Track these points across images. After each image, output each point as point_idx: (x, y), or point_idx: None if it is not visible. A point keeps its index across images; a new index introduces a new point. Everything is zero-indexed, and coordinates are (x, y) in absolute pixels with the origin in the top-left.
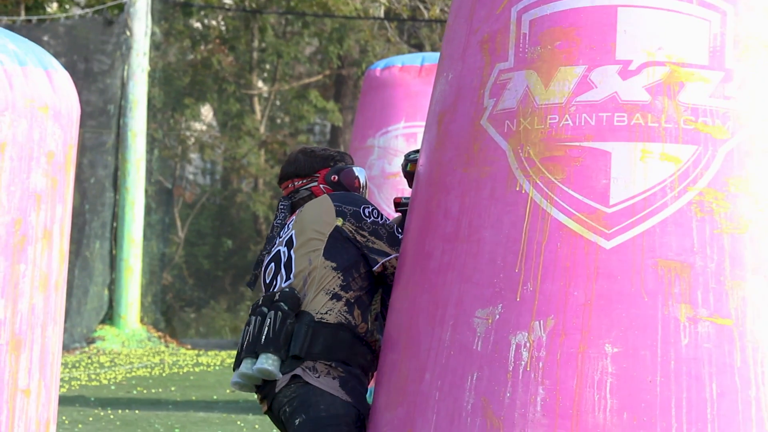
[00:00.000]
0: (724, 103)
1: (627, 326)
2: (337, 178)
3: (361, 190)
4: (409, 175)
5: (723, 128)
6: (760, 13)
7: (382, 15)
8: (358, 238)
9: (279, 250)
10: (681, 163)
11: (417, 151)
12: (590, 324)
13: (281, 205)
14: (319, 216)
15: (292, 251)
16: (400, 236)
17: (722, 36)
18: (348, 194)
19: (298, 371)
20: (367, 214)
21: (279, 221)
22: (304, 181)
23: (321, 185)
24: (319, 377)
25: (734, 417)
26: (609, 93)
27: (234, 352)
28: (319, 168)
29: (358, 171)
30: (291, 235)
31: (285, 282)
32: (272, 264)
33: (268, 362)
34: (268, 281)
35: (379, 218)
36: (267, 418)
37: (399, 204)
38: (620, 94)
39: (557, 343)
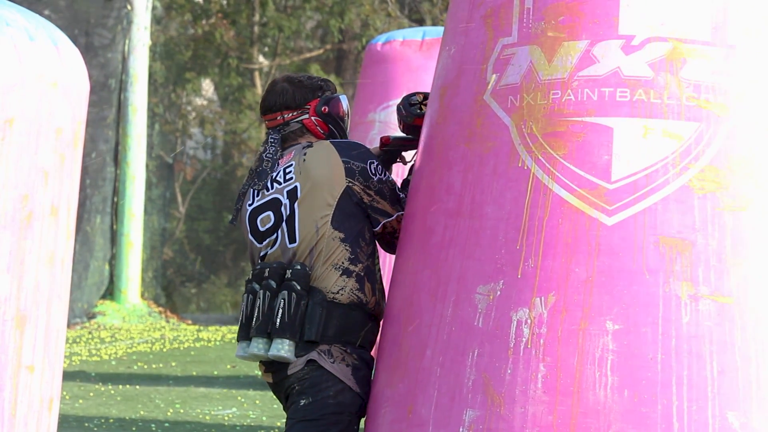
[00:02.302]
0: (726, 80)
1: (628, 303)
2: (327, 109)
3: (345, 118)
4: (409, 128)
5: (725, 105)
6: None
7: None
8: (365, 198)
9: (278, 199)
10: (683, 140)
11: (414, 95)
12: (591, 301)
13: (271, 138)
14: (330, 176)
15: (296, 205)
16: (401, 195)
17: (725, 12)
18: (351, 144)
19: (313, 355)
20: (373, 171)
21: (269, 155)
22: (294, 113)
23: (312, 117)
24: (333, 362)
25: (735, 395)
26: (612, 68)
27: (235, 327)
28: (310, 99)
29: (342, 99)
30: (295, 187)
31: (289, 244)
32: (269, 212)
33: (284, 348)
34: (263, 230)
35: (383, 175)
36: (268, 394)
37: (386, 144)
38: (623, 69)
39: (558, 319)
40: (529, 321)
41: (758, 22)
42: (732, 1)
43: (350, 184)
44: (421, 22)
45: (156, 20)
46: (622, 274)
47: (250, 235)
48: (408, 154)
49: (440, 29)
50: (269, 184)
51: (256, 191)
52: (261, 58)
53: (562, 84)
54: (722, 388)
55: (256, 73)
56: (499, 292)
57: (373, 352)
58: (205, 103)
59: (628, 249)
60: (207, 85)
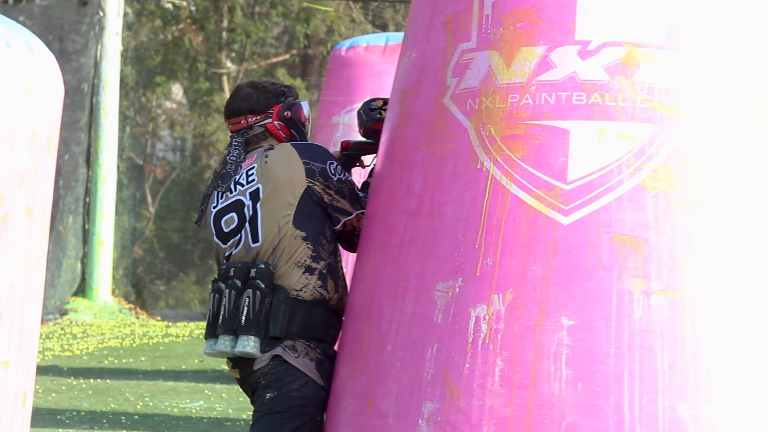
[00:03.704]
0: (679, 82)
1: (583, 299)
2: (289, 114)
3: (307, 123)
4: (369, 132)
5: (678, 107)
6: None
7: None
8: (325, 198)
9: (241, 200)
10: (637, 141)
11: (374, 100)
12: (548, 297)
13: (235, 141)
14: (291, 176)
15: (258, 205)
16: (361, 195)
17: (678, 17)
18: (312, 147)
19: (278, 351)
20: (333, 172)
21: (233, 158)
22: (258, 117)
23: (275, 121)
24: (298, 357)
25: (684, 387)
26: (568, 73)
27: (202, 323)
28: (273, 103)
29: (304, 105)
30: (258, 188)
31: (253, 244)
32: (233, 213)
33: (249, 345)
34: (227, 231)
35: (342, 175)
36: (234, 388)
37: (346, 148)
38: (579, 73)
39: (515, 316)
40: (487, 317)
41: (709, 27)
42: (684, 7)
43: (311, 184)
44: (384, 28)
45: (127, 26)
46: (578, 271)
47: (215, 237)
48: (367, 158)
49: (402, 35)
50: (233, 187)
51: (220, 193)
52: (229, 63)
53: (520, 88)
54: (673, 380)
55: (224, 78)
56: (457, 289)
57: (336, 347)
58: (174, 106)
59: (584, 247)
60: (176, 89)
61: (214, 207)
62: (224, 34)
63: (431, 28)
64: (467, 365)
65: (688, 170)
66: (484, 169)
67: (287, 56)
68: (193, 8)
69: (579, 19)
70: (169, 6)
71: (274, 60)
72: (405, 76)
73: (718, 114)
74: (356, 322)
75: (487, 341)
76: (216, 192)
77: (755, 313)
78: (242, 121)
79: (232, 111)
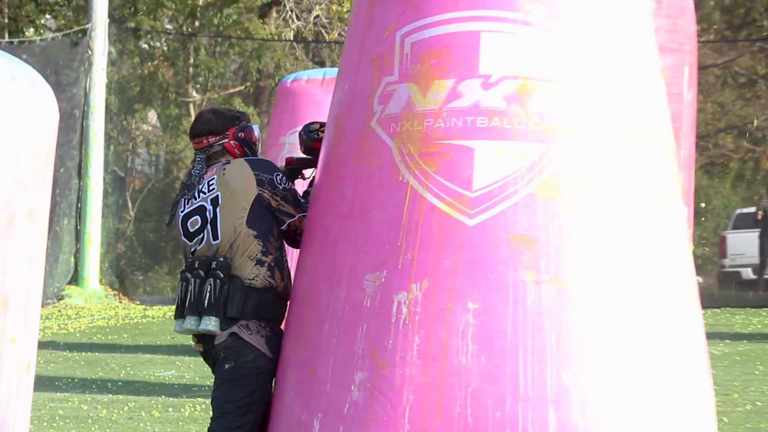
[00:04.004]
0: (564, 109)
1: (485, 287)
2: (243, 135)
3: (257, 143)
4: (308, 149)
5: (563, 130)
6: (590, 39)
7: (292, 38)
8: (273, 203)
9: (203, 206)
10: (529, 157)
11: (312, 123)
12: (456, 285)
13: (198, 157)
14: (243, 186)
15: (217, 209)
16: (302, 201)
17: (562, 56)
18: (261, 161)
19: (234, 329)
20: (279, 182)
21: (196, 171)
22: (217, 138)
23: (231, 141)
24: (251, 334)
25: (568, 359)
26: (473, 101)
27: (173, 307)
28: (229, 126)
29: (255, 128)
30: (217, 196)
31: (213, 241)
32: (197, 216)
33: (211, 323)
34: (192, 231)
35: (287, 184)
36: (200, 359)
37: (290, 163)
38: (482, 101)
39: (430, 300)
40: (407, 302)
41: (587, 65)
42: (567, 49)
43: (261, 192)
44: (322, 64)
45: (111, 63)
46: (481, 264)
47: (183, 236)
48: (307, 171)
49: (337, 70)
50: (196, 194)
51: (186, 200)
52: (194, 93)
53: (434, 114)
54: (558, 353)
55: (191, 105)
56: (383, 279)
57: (282, 326)
58: (150, 128)
59: (486, 244)
60: (152, 115)
61: (182, 211)
62: (191, 69)
63: (360, 64)
64: (391, 341)
65: (572, 182)
66: (405, 181)
67: (242, 87)
68: (165, 48)
69: (482, 57)
70: (146, 46)
71: (232, 90)
72: (339, 103)
73: (595, 136)
74: (299, 306)
75: (407, 321)
76: (183, 199)
77: (624, 298)
78: (204, 141)
79: (195, 133)
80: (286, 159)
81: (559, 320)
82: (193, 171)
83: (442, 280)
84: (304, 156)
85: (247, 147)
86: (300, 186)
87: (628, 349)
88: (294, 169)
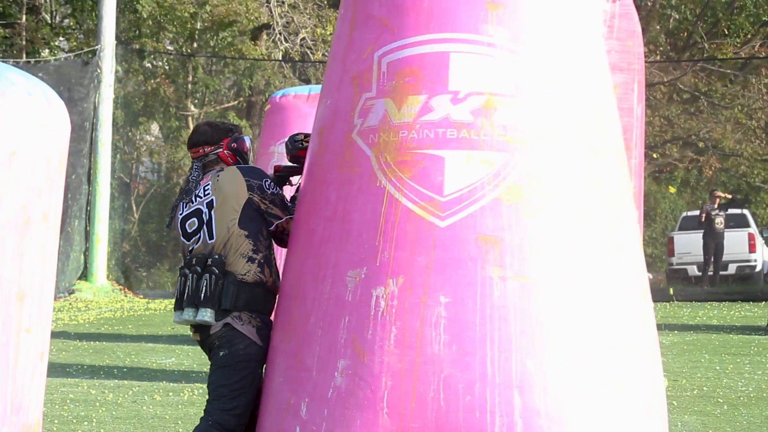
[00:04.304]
0: (525, 122)
1: (456, 283)
2: (236, 145)
3: (248, 152)
4: (294, 158)
5: (525, 140)
6: (549, 59)
7: (280, 58)
8: (262, 206)
9: (200, 209)
10: (494, 165)
11: (298, 134)
12: (430, 281)
13: (195, 165)
14: (235, 190)
15: (212, 212)
16: (289, 204)
17: (523, 75)
18: (252, 168)
19: (228, 320)
20: (267, 187)
21: (194, 178)
22: (212, 148)
23: (225, 150)
24: (243, 325)
25: (531, 347)
26: (444, 114)
27: (174, 300)
28: (223, 137)
29: (246, 139)
30: (212, 199)
31: (209, 240)
32: (194, 218)
33: (207, 315)
34: (190, 231)
35: (275, 189)
36: (198, 348)
37: (278, 171)
38: (451, 115)
39: (406, 295)
40: (384, 296)
41: (545, 82)
42: (526, 68)
43: (251, 196)
44: (308, 82)
45: (118, 80)
46: (452, 262)
47: (181, 237)
48: (294, 178)
49: (321, 87)
50: (193, 199)
51: (184, 204)
52: (193, 107)
53: (408, 126)
54: (522, 342)
55: (190, 118)
56: (363, 275)
57: (272, 317)
58: (153, 139)
59: (456, 244)
60: (154, 127)
61: (181, 214)
62: (189, 86)
63: (342, 82)
64: (370, 332)
65: (533, 187)
66: (382, 186)
67: (236, 102)
68: (166, 67)
69: (451, 75)
70: (149, 65)
71: (226, 105)
72: (323, 117)
73: (554, 146)
74: (288, 300)
75: (385, 314)
76: (182, 203)
77: (582, 293)
78: (200, 150)
79: (192, 143)
80: (275, 167)
81: (523, 313)
82: (190, 177)
83: (416, 276)
84: (291, 164)
85: (239, 156)
86: (288, 192)
87: (586, 339)
88: (282, 176)
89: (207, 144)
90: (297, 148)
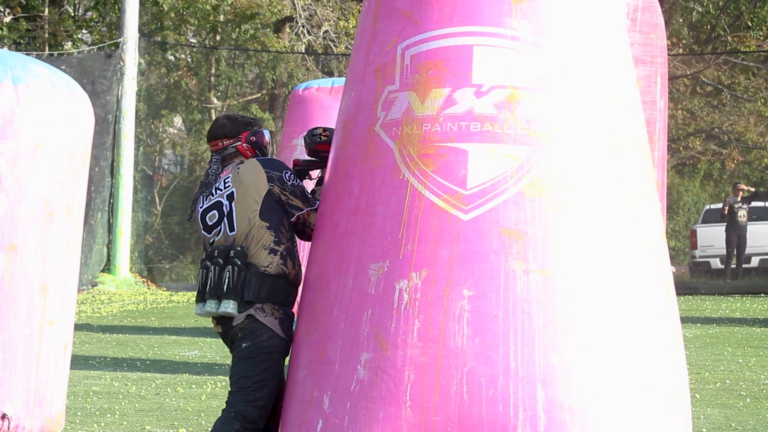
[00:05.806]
0: (548, 116)
1: (479, 276)
2: (255, 139)
3: (267, 146)
4: (312, 152)
5: (548, 134)
6: (572, 52)
7: (303, 51)
8: (282, 197)
9: (220, 201)
10: (518, 159)
11: (316, 128)
12: (453, 274)
13: (214, 158)
14: (255, 182)
15: (233, 204)
16: (309, 196)
17: (546, 68)
18: (271, 160)
19: (251, 311)
20: (288, 178)
21: (213, 171)
22: (231, 140)
23: (244, 144)
24: (266, 316)
25: (554, 341)
26: (467, 108)
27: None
28: (242, 131)
29: (265, 132)
30: (232, 192)
31: (230, 232)
32: (214, 211)
33: (230, 306)
34: (210, 224)
35: (295, 181)
36: (220, 341)
37: (297, 165)
38: (475, 108)
39: (429, 288)
40: (407, 289)
41: (569, 75)
42: (550, 61)
43: (271, 187)
44: (330, 74)
45: (141, 72)
46: (475, 255)
47: (202, 230)
48: (313, 172)
49: (344, 79)
50: (213, 191)
51: (204, 197)
52: (215, 100)
53: (432, 119)
54: (545, 336)
55: (212, 111)
56: (386, 268)
57: (294, 309)
58: (175, 131)
59: (479, 237)
60: (177, 119)
61: (201, 207)
62: (212, 79)
63: (365, 74)
64: (393, 325)
65: (556, 181)
66: (405, 179)
67: (259, 95)
68: (189, 59)
69: (475, 68)
70: (172, 58)
71: (249, 98)
72: (346, 109)
73: (577, 139)
74: (311, 292)
75: (408, 307)
76: (202, 196)
77: (605, 286)
78: (219, 143)
79: (212, 136)
80: (294, 161)
81: (546, 306)
82: (210, 171)
83: (439, 269)
84: (310, 159)
85: (258, 149)
86: (308, 186)
87: (610, 333)
88: (301, 170)
89: (226, 137)
90: (315, 142)
